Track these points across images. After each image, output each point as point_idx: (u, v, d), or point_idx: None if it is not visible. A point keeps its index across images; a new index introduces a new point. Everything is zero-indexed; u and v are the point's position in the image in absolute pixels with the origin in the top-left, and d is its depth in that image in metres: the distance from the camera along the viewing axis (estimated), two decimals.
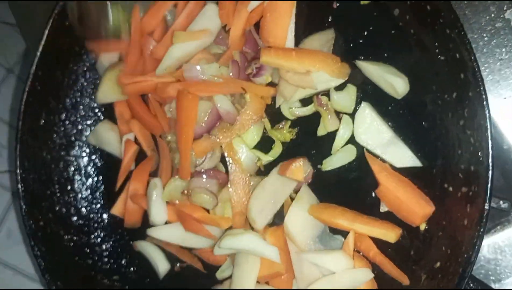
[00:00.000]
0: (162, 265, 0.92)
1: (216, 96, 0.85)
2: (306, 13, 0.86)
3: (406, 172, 0.80)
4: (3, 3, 1.18)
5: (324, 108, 0.85)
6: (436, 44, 0.75)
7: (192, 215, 0.86)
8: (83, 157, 0.97)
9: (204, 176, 0.87)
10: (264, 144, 0.89)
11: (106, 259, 0.95)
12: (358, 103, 0.84)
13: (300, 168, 0.84)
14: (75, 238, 0.93)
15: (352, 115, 0.84)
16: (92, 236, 0.95)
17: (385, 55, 0.82)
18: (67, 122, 0.95)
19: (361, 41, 0.84)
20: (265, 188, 0.85)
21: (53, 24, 0.86)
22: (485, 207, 0.66)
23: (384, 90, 0.82)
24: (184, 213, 0.86)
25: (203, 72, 0.84)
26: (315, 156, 0.87)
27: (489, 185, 0.66)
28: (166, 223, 0.90)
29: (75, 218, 0.95)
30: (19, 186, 0.87)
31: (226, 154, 0.88)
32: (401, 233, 0.80)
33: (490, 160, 0.66)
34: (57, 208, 0.93)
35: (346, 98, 0.85)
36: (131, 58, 0.88)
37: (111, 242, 0.96)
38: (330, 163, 0.86)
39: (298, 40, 0.86)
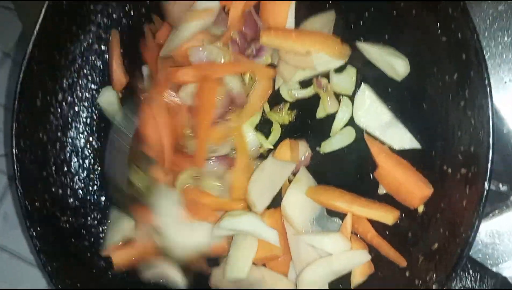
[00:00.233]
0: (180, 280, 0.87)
1: (227, 77, 0.84)
2: None
3: (405, 154, 0.80)
4: None
5: (324, 90, 0.85)
6: (438, 24, 0.74)
7: (203, 201, 0.84)
8: (79, 138, 0.96)
9: (213, 162, 0.85)
10: (263, 126, 0.89)
11: (102, 241, 0.94)
12: (358, 85, 0.84)
13: (287, 149, 0.83)
14: (71, 219, 0.92)
15: (351, 97, 0.84)
16: (89, 218, 0.95)
17: (386, 36, 0.81)
18: (64, 103, 0.94)
19: (361, 22, 0.83)
20: (263, 171, 0.84)
21: (50, 3, 0.85)
22: (485, 186, 0.65)
23: (385, 72, 0.81)
24: (193, 200, 0.84)
25: (209, 54, 0.83)
26: (314, 138, 0.86)
27: (489, 165, 0.66)
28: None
29: (71, 199, 0.94)
30: (15, 166, 0.86)
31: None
32: (399, 215, 0.80)
33: (490, 139, 0.66)
34: (53, 189, 0.92)
35: (346, 80, 0.84)
36: None
37: (107, 224, 0.95)
38: (329, 145, 0.85)
39: (298, 21, 0.85)
